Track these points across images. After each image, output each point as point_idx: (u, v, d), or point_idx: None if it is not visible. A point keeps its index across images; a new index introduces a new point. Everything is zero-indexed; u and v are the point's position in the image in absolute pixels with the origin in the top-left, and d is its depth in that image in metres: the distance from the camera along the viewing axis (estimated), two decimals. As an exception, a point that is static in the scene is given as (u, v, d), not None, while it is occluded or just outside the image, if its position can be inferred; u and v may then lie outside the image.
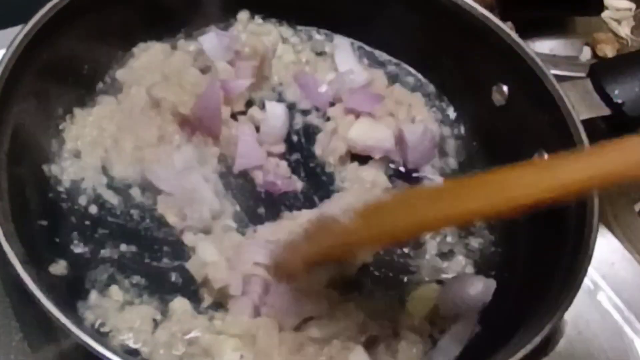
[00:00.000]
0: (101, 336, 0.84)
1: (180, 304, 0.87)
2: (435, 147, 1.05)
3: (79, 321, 0.76)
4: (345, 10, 1.11)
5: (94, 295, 0.87)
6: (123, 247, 0.91)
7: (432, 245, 0.98)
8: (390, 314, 0.90)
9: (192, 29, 1.08)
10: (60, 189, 0.94)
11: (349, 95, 1.06)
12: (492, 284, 0.93)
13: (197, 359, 0.83)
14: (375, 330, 0.87)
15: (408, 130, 1.02)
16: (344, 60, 1.10)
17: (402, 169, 1.04)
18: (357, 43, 1.14)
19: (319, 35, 1.14)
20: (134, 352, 0.84)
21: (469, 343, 0.89)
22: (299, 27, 1.14)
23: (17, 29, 0.90)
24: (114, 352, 0.72)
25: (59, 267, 0.87)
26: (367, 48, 1.14)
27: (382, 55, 1.14)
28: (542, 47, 1.28)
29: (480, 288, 0.92)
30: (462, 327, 0.89)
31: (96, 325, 0.85)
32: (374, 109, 1.05)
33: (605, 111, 0.97)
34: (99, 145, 0.97)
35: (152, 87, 0.99)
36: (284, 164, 1.01)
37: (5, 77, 0.86)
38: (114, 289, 0.88)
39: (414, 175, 1.04)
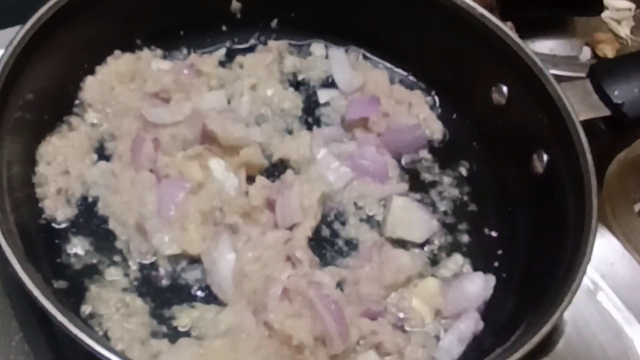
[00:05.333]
0: (100, 335, 0.84)
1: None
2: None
3: (78, 321, 0.75)
4: (345, 14, 1.11)
5: (94, 292, 0.87)
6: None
7: (430, 244, 0.98)
8: (396, 316, 0.90)
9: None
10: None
11: (347, 109, 1.07)
12: (491, 279, 0.94)
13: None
14: (384, 333, 0.87)
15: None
16: (339, 69, 1.12)
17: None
18: (357, 47, 1.14)
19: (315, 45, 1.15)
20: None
21: (470, 343, 0.89)
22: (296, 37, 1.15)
23: (15, 29, 0.90)
24: (113, 352, 0.72)
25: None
26: (367, 50, 1.15)
27: (383, 57, 1.15)
28: (542, 47, 1.29)
29: (480, 284, 0.92)
30: (465, 326, 0.89)
31: (95, 326, 0.85)
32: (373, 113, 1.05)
33: (605, 112, 0.97)
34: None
35: None
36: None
37: (5, 76, 0.86)
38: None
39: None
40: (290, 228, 0.93)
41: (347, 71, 1.11)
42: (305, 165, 1.01)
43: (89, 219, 0.94)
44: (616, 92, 0.96)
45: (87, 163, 0.97)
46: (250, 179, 0.97)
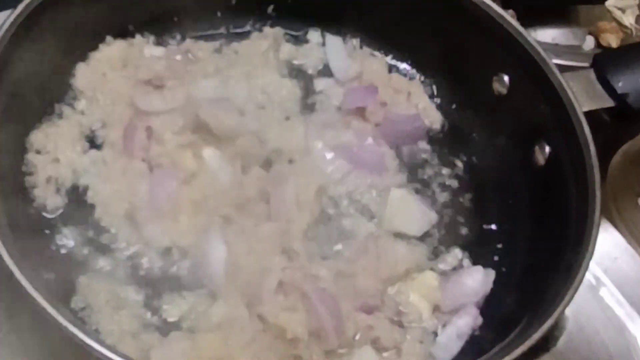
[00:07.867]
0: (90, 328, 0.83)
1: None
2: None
3: (68, 314, 0.74)
4: (342, 2, 1.09)
5: (84, 283, 0.86)
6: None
7: (428, 237, 0.97)
8: (393, 310, 0.90)
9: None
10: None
11: (344, 98, 1.06)
12: (491, 273, 0.93)
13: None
14: (381, 328, 0.87)
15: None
16: (335, 57, 1.10)
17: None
18: (354, 35, 1.13)
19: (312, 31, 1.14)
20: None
21: (469, 339, 0.89)
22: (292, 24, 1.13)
23: (5, 14, 0.89)
24: (107, 348, 0.71)
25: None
26: (365, 38, 1.13)
27: (381, 45, 1.13)
28: (544, 36, 1.28)
29: (480, 278, 0.92)
30: (463, 322, 0.89)
31: (86, 319, 0.84)
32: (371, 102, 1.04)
33: (609, 103, 0.95)
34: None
35: None
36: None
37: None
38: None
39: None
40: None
41: (344, 59, 1.10)
42: (300, 155, 0.99)
43: (79, 208, 0.93)
44: (620, 83, 0.95)
45: (77, 151, 0.96)
46: (245, 170, 0.96)
